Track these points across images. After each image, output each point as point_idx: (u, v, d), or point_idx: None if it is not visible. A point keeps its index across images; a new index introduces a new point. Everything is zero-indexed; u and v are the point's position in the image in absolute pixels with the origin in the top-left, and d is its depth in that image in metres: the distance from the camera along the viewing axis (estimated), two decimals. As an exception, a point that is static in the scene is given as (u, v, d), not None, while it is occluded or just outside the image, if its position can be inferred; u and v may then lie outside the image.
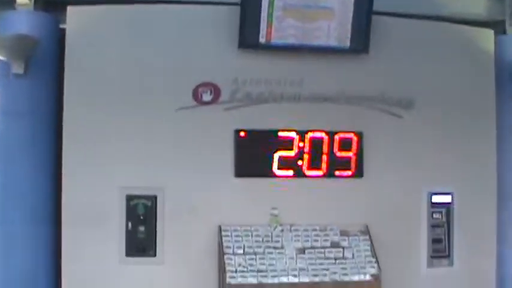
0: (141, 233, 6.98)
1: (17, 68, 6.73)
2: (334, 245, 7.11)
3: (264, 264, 6.85)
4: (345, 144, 7.34)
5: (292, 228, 7.14)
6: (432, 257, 7.59)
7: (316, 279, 6.82)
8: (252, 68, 7.19)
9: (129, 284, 6.87)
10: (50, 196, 7.02)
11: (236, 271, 6.74)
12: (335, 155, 7.32)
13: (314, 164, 7.29)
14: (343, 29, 7.26)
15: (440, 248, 7.62)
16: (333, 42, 7.27)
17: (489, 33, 7.99)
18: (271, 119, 7.19)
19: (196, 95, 7.09)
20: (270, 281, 6.74)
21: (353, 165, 7.36)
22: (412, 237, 7.52)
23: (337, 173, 7.33)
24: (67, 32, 7.00)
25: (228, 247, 6.92)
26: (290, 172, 7.23)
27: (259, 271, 6.77)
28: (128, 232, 6.96)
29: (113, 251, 6.90)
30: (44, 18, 7.05)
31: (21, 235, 6.85)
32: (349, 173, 7.35)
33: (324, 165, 7.31)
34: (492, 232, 7.79)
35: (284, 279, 6.77)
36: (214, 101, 7.13)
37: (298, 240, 7.10)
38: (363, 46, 7.32)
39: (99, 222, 6.87)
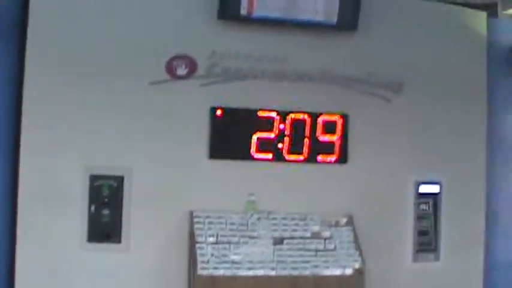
0: (105, 216, 6.50)
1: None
2: (315, 235, 6.69)
3: (238, 254, 6.41)
4: (329, 128, 6.93)
5: (270, 216, 6.72)
6: (418, 251, 7.15)
7: (296, 272, 6.39)
8: (231, 42, 6.75)
9: (90, 272, 6.38)
10: (5, 174, 6.51)
11: (208, 262, 6.31)
12: (318, 138, 6.91)
13: (295, 148, 6.87)
14: (330, 3, 6.83)
15: (427, 241, 7.22)
16: (319, 17, 6.84)
17: (482, 16, 7.62)
18: (250, 97, 6.76)
19: (170, 69, 6.61)
20: (244, 273, 6.30)
21: (337, 149, 6.96)
22: (397, 229, 7.17)
23: (319, 157, 6.91)
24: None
25: (200, 235, 6.48)
26: (269, 155, 6.81)
27: (233, 262, 6.35)
28: (90, 215, 6.46)
29: (73, 236, 6.39)
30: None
31: None
32: (333, 158, 6.95)
33: (305, 149, 6.89)
34: (481, 225, 7.46)
35: (260, 272, 6.33)
36: (189, 75, 6.66)
37: (276, 230, 6.68)
38: (351, 22, 6.91)
39: (59, 204, 6.36)
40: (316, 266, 6.47)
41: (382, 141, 7.17)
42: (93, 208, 6.48)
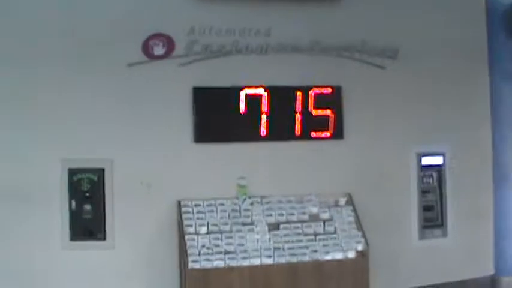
0: (87, 213, 6.15)
1: None
2: (313, 218, 6.31)
3: (231, 244, 6.02)
4: (321, 101, 6.53)
5: (264, 200, 6.35)
6: (424, 227, 6.71)
7: (294, 259, 6.01)
8: (211, 16, 6.33)
9: (74, 272, 6.00)
10: None
11: (199, 254, 5.90)
12: (310, 113, 6.52)
13: (286, 125, 6.48)
14: None
15: (432, 217, 6.82)
16: (304, -17, 6.31)
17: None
18: (234, 74, 6.35)
19: (146, 49, 6.22)
20: (239, 263, 5.91)
21: (331, 124, 6.58)
22: (400, 205, 6.78)
23: (313, 134, 6.55)
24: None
25: (189, 225, 6.09)
26: (259, 135, 6.40)
27: (226, 253, 5.95)
28: (71, 212, 6.10)
29: (54, 235, 6.03)
30: None
31: None
32: (327, 134, 6.58)
33: (298, 126, 6.51)
34: (489, 195, 7.05)
35: (256, 261, 5.94)
36: (167, 54, 6.25)
37: (271, 215, 6.30)
38: None
39: (38, 202, 5.99)
40: (315, 251, 6.07)
41: (379, 112, 6.75)
42: (73, 204, 6.09)
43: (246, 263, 5.91)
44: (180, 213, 6.14)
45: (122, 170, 6.14)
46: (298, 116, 6.47)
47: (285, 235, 6.17)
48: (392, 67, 6.79)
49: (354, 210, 6.42)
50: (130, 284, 6.08)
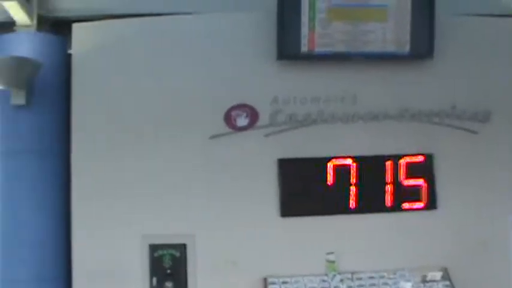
0: None
1: (17, 98, 5.88)
2: (408, 295, 5.89)
3: (322, 324, 5.68)
4: (413, 170, 6.24)
5: (354, 276, 6.06)
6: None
7: None
8: (294, 84, 6.17)
9: None
10: (60, 248, 6.03)
11: (289, 335, 5.57)
12: (401, 183, 6.22)
13: (376, 197, 6.18)
14: (401, 31, 6.22)
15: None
16: (389, 48, 6.21)
17: None
18: (321, 144, 6.14)
19: (229, 120, 6.06)
20: None
21: (424, 195, 6.26)
22: (503, 280, 6.24)
23: (405, 205, 6.23)
24: (73, 54, 6.14)
25: (277, 303, 5.77)
26: (348, 208, 6.12)
27: (317, 333, 5.60)
28: None
29: (136, 314, 5.81)
30: (49, 40, 6.18)
31: None
32: (420, 204, 6.25)
33: (388, 197, 6.20)
34: None
35: None
36: (251, 125, 6.11)
37: (363, 291, 5.91)
38: (426, 50, 6.29)
39: (118, 279, 5.89)
40: (412, 332, 5.64)
41: (473, 179, 6.38)
42: (154, 281, 5.94)
43: None
44: (267, 291, 5.85)
45: (204, 246, 5.97)
46: (388, 187, 6.18)
47: (378, 313, 5.81)
48: (484, 131, 6.43)
49: (451, 285, 6.03)
50: None
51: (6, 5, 5.80)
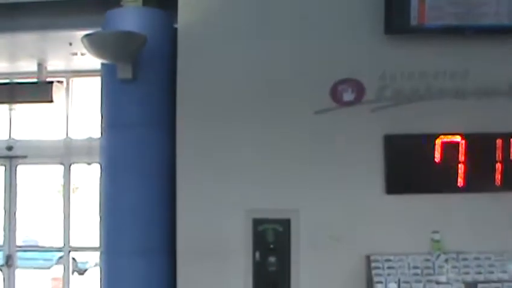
0: (272, 264, 5.94)
1: (124, 72, 5.93)
2: (516, 278, 5.70)
3: (426, 303, 5.54)
4: None
5: (460, 256, 5.84)
6: None
7: (494, 323, 5.40)
8: (402, 59, 5.97)
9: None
10: (164, 222, 6.11)
11: (391, 313, 5.48)
12: None
13: (485, 175, 5.93)
14: None
15: None
16: (504, 20, 5.92)
17: None
18: (429, 120, 5.93)
19: (335, 95, 5.96)
20: (433, 324, 5.40)
21: None
22: None
23: None
24: (178, 28, 6.18)
25: (380, 282, 5.72)
26: (455, 186, 5.91)
27: (419, 312, 5.49)
28: (255, 264, 5.94)
29: (237, 287, 5.87)
30: (155, 14, 6.23)
31: (130, 268, 5.99)
32: None
33: (498, 176, 5.93)
34: None
35: (452, 324, 5.41)
36: (357, 100, 5.96)
37: (468, 273, 5.78)
38: None
39: (220, 253, 5.94)
40: (519, 316, 5.46)
41: None
42: (258, 256, 5.94)
43: (440, 324, 5.44)
44: (369, 268, 5.79)
45: (308, 221, 5.91)
46: (498, 166, 5.94)
47: (484, 295, 5.63)
48: None
49: None
50: None
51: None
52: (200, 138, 6.00)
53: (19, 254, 9.25)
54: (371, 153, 5.91)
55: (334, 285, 5.88)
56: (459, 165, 5.93)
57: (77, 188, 12.79)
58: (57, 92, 8.49)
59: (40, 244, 14.64)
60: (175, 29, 6.19)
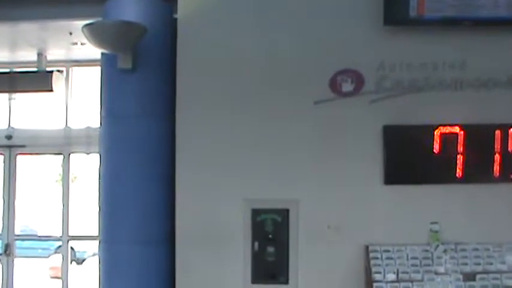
0: (271, 255, 5.96)
1: (124, 62, 5.94)
2: (514, 269, 5.71)
3: (423, 294, 5.56)
4: None
5: (458, 247, 5.86)
6: None
7: (492, 314, 5.43)
8: (402, 50, 5.98)
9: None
10: (163, 211, 6.12)
11: (388, 303, 5.49)
12: (510, 153, 5.92)
13: (483, 167, 5.94)
14: None
15: None
16: (502, 12, 5.93)
17: None
18: (428, 111, 5.94)
19: (334, 85, 5.96)
20: (432, 315, 5.43)
21: None
22: None
23: None
24: (178, 19, 6.18)
25: (378, 272, 5.75)
26: (453, 177, 5.92)
27: (417, 303, 5.50)
28: (254, 254, 5.96)
29: (235, 277, 5.94)
30: (155, 5, 6.22)
31: (129, 257, 6.00)
32: None
33: (496, 167, 5.94)
34: None
35: (450, 314, 5.43)
36: (356, 91, 5.96)
37: (466, 264, 5.80)
38: None
39: (219, 242, 5.96)
40: (517, 306, 5.48)
41: None
42: (256, 246, 5.95)
43: (439, 315, 5.46)
44: (367, 259, 5.81)
45: (307, 211, 5.93)
46: (496, 157, 5.94)
47: (482, 286, 5.68)
48: None
49: None
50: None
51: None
52: (200, 128, 6.01)
53: (18, 243, 9.23)
54: (370, 144, 5.92)
55: (332, 275, 5.90)
56: (458, 156, 5.92)
57: (75, 177, 12.77)
58: (57, 81, 8.48)
59: (39, 233, 14.63)
60: (175, 19, 6.18)
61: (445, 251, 5.85)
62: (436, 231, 5.90)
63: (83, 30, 5.72)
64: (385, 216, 5.89)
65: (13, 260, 9.01)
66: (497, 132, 5.94)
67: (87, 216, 9.17)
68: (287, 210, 5.92)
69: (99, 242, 6.21)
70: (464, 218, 5.92)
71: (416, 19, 5.90)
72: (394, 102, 5.95)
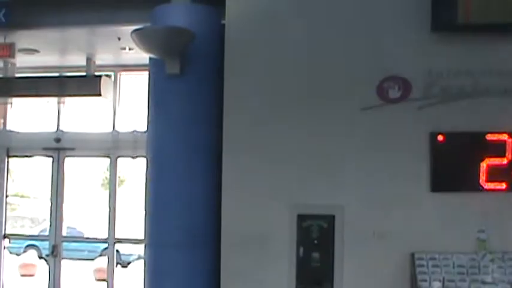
0: (316, 260, 5.96)
1: (172, 67, 5.99)
2: None
3: (470, 303, 5.50)
4: None
5: (505, 256, 5.78)
6: None
7: (542, 325, 5.34)
8: (449, 56, 5.91)
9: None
10: (208, 215, 6.18)
11: (435, 311, 5.45)
12: None
13: (532, 174, 5.79)
14: None
15: None
16: (553, 18, 5.77)
17: None
18: (476, 118, 5.86)
19: (381, 92, 5.94)
20: (478, 325, 5.36)
21: None
22: None
23: None
24: (226, 25, 6.22)
25: (424, 280, 5.70)
26: (502, 185, 5.85)
27: (464, 312, 5.44)
28: (299, 259, 5.96)
29: (280, 282, 5.96)
30: (203, 11, 6.29)
31: (174, 260, 6.09)
32: None
33: (546, 175, 5.77)
34: None
35: (494, 324, 5.36)
36: (403, 98, 5.92)
37: (514, 273, 5.66)
38: None
39: (265, 247, 5.98)
40: None
41: None
42: (302, 251, 5.95)
43: (486, 325, 5.40)
44: (413, 266, 5.76)
45: (353, 218, 5.91)
46: (545, 164, 5.85)
47: (530, 296, 5.56)
48: None
49: None
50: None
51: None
52: (247, 134, 6.04)
53: (64, 244, 9.38)
54: (417, 151, 5.88)
55: (377, 282, 5.86)
56: (506, 164, 5.84)
57: (122, 181, 12.93)
58: (105, 85, 8.61)
59: (85, 235, 14.82)
60: (223, 25, 6.22)
61: (492, 259, 5.77)
62: (484, 240, 5.83)
63: (132, 36, 5.80)
64: (432, 223, 5.84)
65: (60, 261, 9.15)
66: (548, 140, 5.84)
67: (133, 220, 9.27)
68: (333, 216, 5.92)
69: (145, 246, 6.27)
70: (512, 226, 5.80)
71: (464, 25, 5.85)
72: (441, 109, 5.89)
